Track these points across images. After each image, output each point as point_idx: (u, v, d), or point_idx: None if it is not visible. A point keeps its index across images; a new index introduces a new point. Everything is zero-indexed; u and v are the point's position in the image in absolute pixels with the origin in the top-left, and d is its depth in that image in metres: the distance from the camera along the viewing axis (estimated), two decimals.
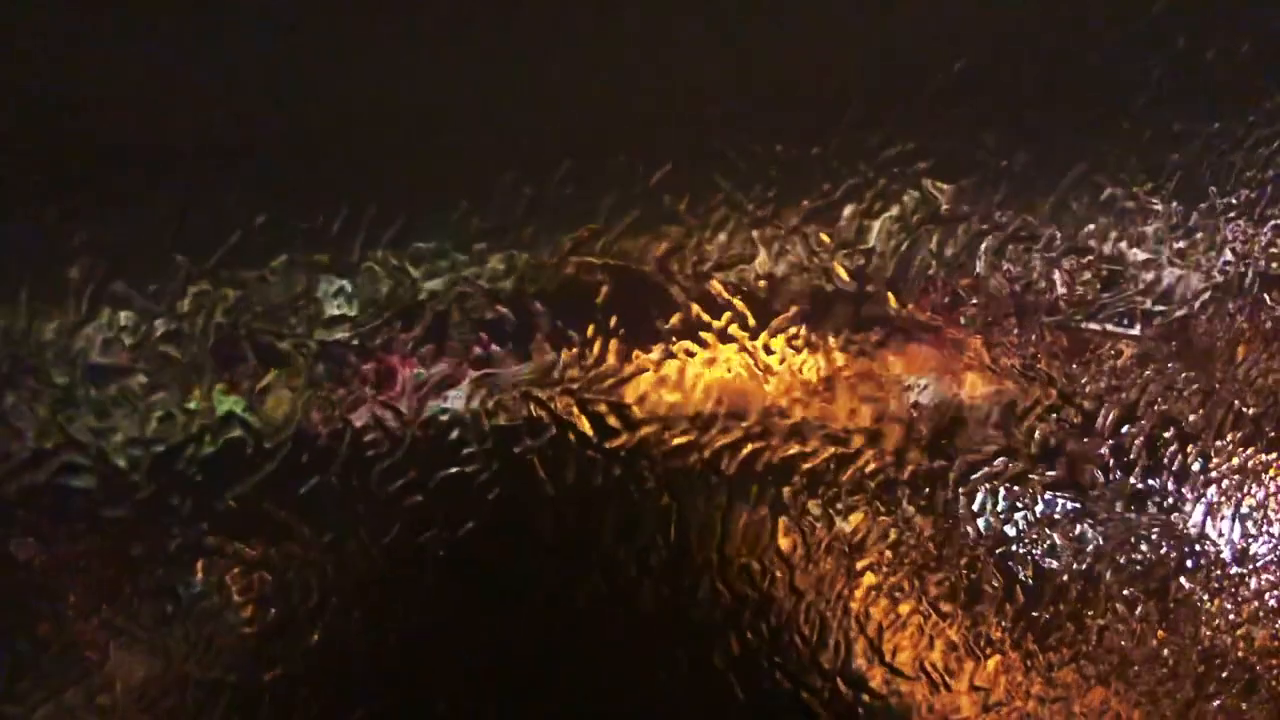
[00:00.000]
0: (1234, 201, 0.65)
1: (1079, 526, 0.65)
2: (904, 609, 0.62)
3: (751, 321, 0.57)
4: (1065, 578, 0.65)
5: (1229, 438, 0.67)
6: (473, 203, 0.52)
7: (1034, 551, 0.64)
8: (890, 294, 0.59)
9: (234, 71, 0.49)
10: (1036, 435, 0.63)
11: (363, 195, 0.50)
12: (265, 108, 0.50)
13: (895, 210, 0.58)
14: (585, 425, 0.55)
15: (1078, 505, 0.65)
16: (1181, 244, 0.64)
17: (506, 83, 0.52)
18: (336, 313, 0.51)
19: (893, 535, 0.61)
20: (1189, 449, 0.66)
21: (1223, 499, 0.68)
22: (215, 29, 0.48)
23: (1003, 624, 0.64)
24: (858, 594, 0.61)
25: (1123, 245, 0.62)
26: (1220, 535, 0.68)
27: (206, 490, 0.50)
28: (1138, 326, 0.64)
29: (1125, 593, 0.66)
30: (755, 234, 0.56)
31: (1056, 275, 0.62)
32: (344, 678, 0.54)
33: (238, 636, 0.52)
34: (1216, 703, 0.69)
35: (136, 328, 0.48)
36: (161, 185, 0.48)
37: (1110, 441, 0.64)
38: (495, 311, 0.53)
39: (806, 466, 0.59)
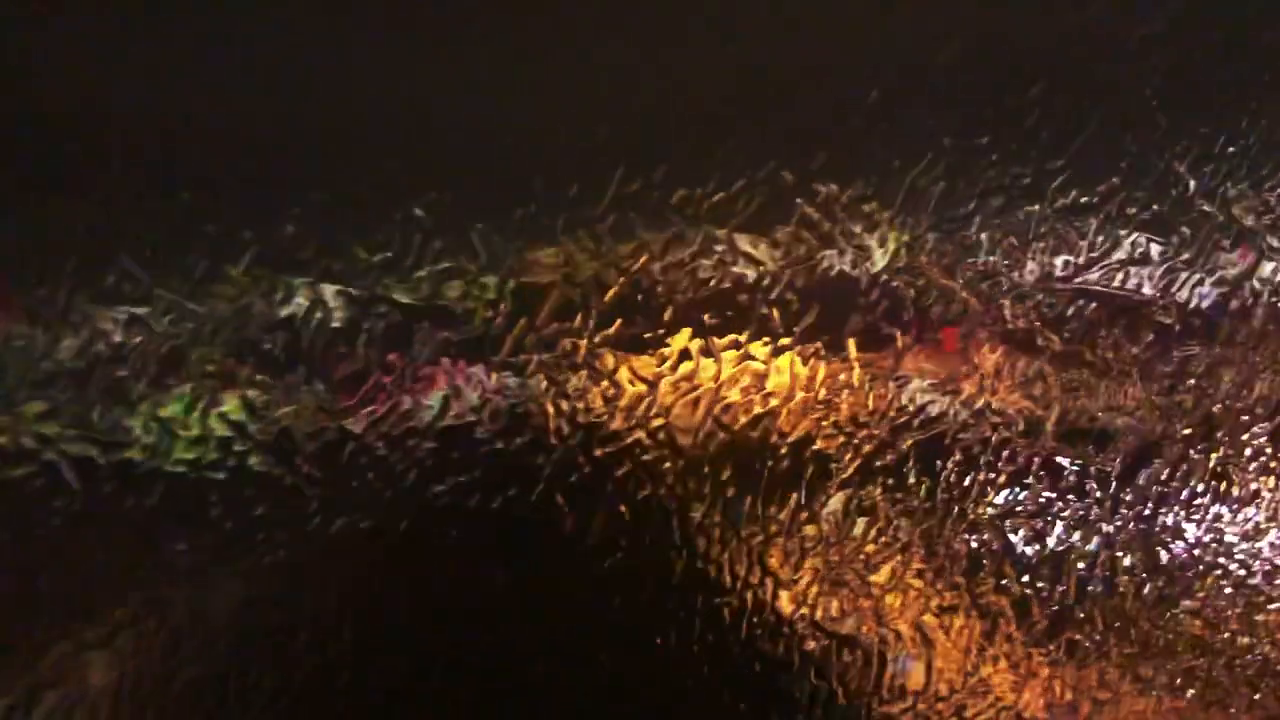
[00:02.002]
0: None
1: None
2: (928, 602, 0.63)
3: (762, 322, 0.58)
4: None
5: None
6: (474, 204, 0.52)
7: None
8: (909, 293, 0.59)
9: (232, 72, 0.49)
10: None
11: (358, 193, 0.50)
12: (266, 111, 0.50)
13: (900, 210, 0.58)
14: (585, 427, 0.55)
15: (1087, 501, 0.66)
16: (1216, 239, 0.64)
17: (510, 87, 0.52)
18: (335, 315, 0.51)
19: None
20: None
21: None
22: (210, 31, 0.48)
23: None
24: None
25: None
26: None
27: (203, 493, 0.50)
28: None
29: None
30: (761, 237, 0.57)
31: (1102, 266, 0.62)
32: (342, 677, 0.54)
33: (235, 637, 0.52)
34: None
35: (127, 331, 0.48)
36: (155, 188, 0.48)
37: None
38: (492, 313, 0.53)
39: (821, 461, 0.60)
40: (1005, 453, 0.63)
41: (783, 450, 0.59)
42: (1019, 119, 0.59)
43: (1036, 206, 0.60)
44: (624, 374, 0.55)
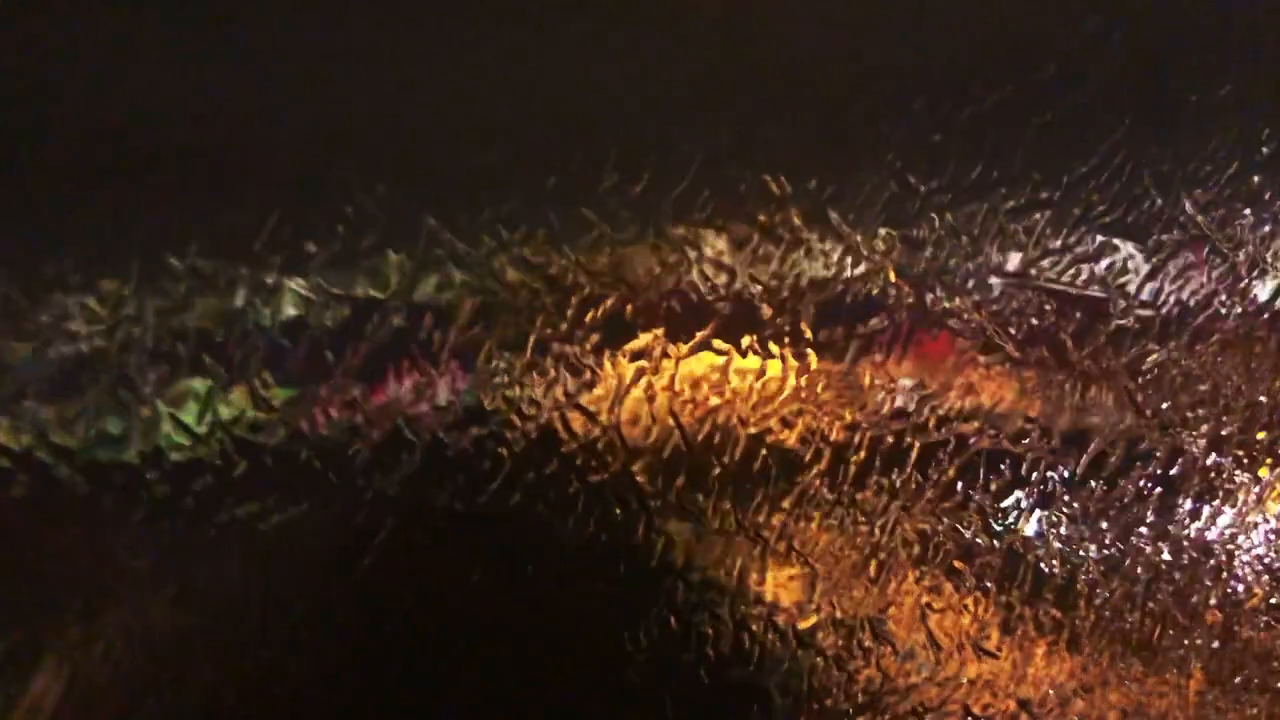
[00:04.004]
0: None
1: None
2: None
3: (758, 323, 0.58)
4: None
5: None
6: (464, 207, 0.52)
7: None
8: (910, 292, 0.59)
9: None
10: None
11: (310, 185, 0.50)
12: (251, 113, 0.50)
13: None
14: (542, 427, 0.55)
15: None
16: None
17: (465, 81, 0.52)
18: (285, 309, 0.50)
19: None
20: None
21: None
22: (155, 19, 0.48)
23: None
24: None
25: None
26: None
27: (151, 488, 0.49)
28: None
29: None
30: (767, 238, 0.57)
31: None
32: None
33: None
34: None
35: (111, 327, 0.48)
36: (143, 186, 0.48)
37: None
38: (447, 309, 0.53)
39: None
40: (983, 457, 0.63)
41: (746, 451, 0.59)
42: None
43: (992, 205, 0.61)
44: (583, 373, 0.55)
